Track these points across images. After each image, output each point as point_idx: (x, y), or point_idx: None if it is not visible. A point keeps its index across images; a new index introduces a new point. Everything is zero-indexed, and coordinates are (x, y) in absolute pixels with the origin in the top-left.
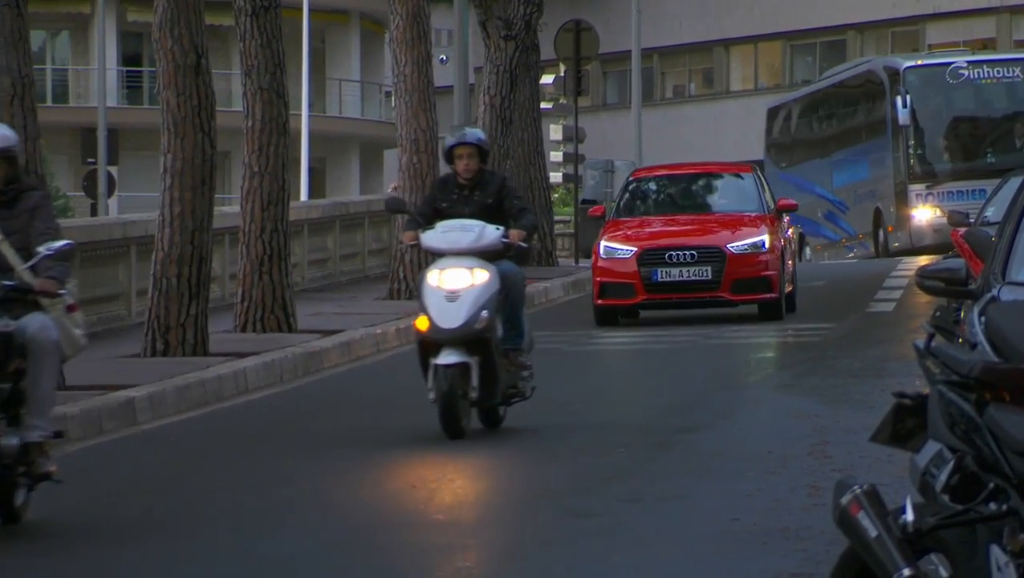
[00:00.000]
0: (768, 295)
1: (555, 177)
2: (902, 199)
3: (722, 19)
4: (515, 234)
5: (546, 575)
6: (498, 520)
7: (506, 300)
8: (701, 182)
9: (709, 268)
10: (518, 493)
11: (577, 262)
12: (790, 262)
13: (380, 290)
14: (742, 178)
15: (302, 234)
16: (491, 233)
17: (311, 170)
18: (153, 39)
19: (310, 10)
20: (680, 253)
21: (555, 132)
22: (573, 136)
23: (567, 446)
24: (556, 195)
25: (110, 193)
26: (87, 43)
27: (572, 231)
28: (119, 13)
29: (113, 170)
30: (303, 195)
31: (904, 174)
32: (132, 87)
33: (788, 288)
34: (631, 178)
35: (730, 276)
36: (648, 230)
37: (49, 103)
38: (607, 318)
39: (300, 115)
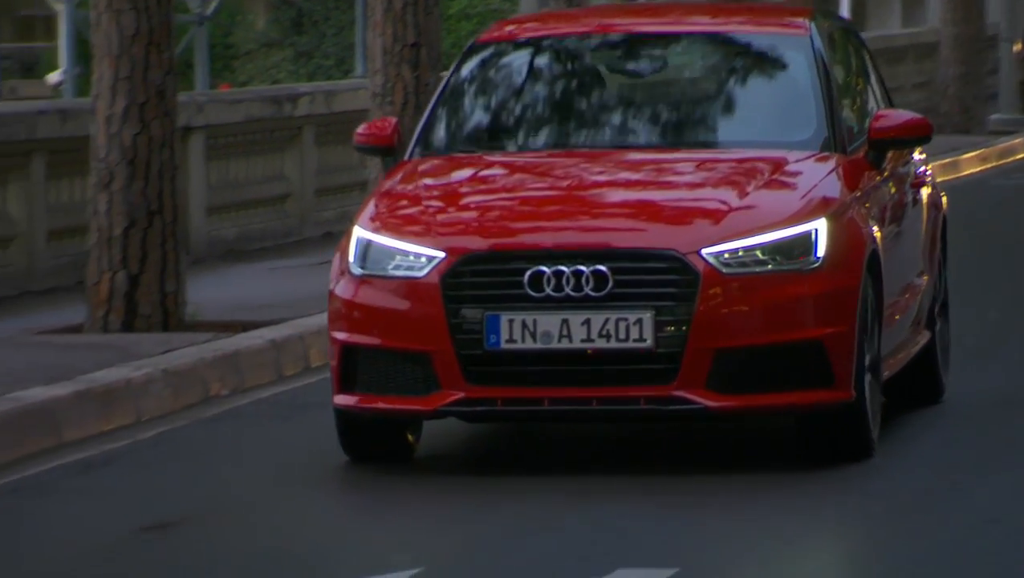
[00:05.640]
0: (818, 393)
1: None
2: None
3: None
4: None
5: None
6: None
7: None
8: (658, 62)
9: (647, 315)
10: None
11: None
12: (921, 281)
13: None
14: (778, 52)
15: None
16: None
17: (851, 2)
18: None
19: None
20: (567, 268)
21: None
22: None
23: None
24: None
25: None
26: None
27: None
28: None
29: None
30: None
31: None
32: None
33: (896, 358)
34: (477, 43)
35: (704, 337)
36: (491, 195)
37: None
38: (362, 443)
39: None
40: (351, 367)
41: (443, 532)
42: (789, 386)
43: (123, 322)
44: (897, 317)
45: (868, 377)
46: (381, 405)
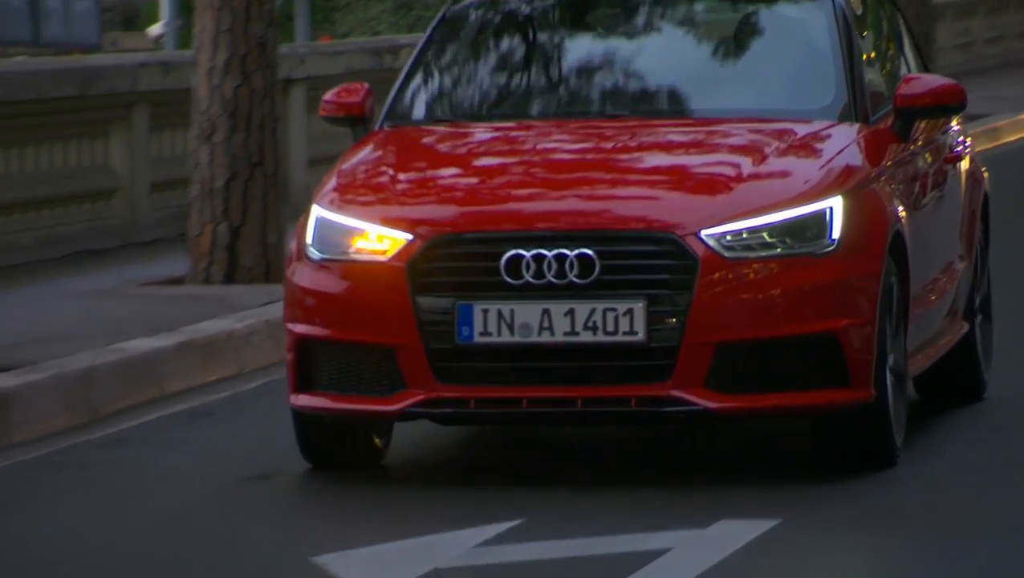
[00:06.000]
0: (832, 393)
1: None
2: None
3: None
4: None
5: None
6: None
7: None
8: (661, 20)
9: (639, 305)
10: None
11: None
12: (958, 266)
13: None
14: (795, 8)
15: (946, 18)
16: None
17: None
18: None
19: None
20: (548, 252)
21: None
22: None
23: None
24: None
25: None
26: None
27: None
28: None
29: None
30: None
31: None
32: None
33: (927, 352)
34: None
35: (704, 330)
36: (465, 169)
37: None
38: (323, 447)
39: None
40: (307, 363)
41: (541, 485)
42: (799, 385)
43: (225, 274)
44: (928, 306)
45: (891, 375)
46: (340, 406)
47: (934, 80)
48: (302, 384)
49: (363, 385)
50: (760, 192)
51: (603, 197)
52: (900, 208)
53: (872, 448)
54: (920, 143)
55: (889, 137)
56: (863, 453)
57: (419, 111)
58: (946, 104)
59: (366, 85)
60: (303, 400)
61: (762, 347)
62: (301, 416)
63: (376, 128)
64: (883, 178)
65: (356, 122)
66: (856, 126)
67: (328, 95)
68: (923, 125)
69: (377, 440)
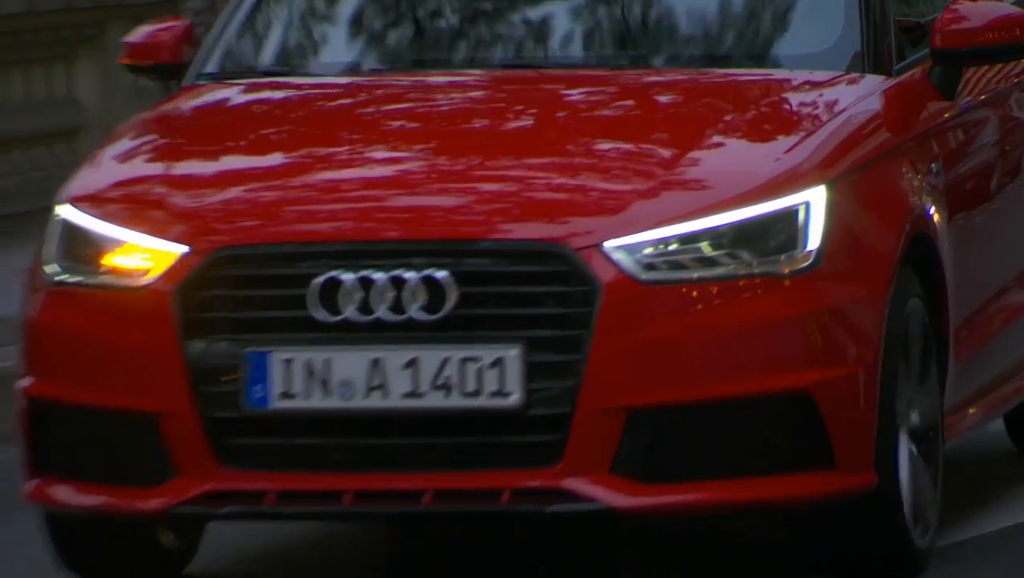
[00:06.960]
0: (810, 479)
1: None
2: None
3: None
4: None
5: None
6: None
7: None
8: None
9: (512, 352)
10: None
11: None
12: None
13: None
14: None
15: None
16: None
17: None
18: None
19: None
20: (381, 274)
21: None
22: None
23: None
24: None
25: None
26: None
27: None
28: None
29: None
30: None
31: None
32: None
33: (1000, 393)
34: None
35: (609, 390)
36: (277, 151)
37: None
38: (82, 552)
39: None
40: (43, 436)
41: None
42: (757, 470)
43: None
44: (992, 333)
45: (908, 446)
46: (86, 501)
47: (989, 8)
48: (38, 466)
49: (117, 470)
50: (699, 182)
51: (464, 191)
52: (929, 201)
53: (879, 555)
54: (981, 98)
55: (923, 93)
56: (867, 563)
57: (240, 61)
58: (1006, 43)
59: (187, 22)
60: (37, 489)
61: (698, 414)
62: (52, 520)
63: (185, 84)
64: (904, 156)
65: (168, 73)
66: (872, 79)
67: (132, 34)
68: (981, 73)
69: (166, 538)
